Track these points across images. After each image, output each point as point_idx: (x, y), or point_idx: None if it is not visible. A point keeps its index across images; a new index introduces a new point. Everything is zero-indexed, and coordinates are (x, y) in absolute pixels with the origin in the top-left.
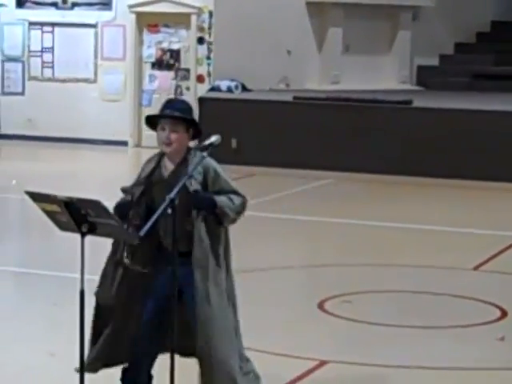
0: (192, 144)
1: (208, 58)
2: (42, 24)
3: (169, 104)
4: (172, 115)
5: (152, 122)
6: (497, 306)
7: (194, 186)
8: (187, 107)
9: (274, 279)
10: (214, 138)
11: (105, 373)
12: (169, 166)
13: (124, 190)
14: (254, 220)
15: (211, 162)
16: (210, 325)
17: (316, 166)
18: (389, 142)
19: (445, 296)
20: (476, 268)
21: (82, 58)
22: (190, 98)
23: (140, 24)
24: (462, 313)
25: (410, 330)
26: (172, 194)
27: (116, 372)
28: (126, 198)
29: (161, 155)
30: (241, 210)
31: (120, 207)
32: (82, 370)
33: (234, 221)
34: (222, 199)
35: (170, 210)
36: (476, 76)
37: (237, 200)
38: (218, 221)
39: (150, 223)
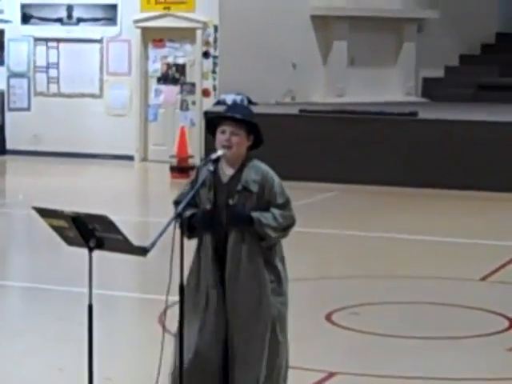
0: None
1: (213, 71)
2: (48, 40)
3: (231, 108)
4: (234, 116)
5: (212, 127)
6: (505, 317)
7: (252, 188)
8: (250, 113)
9: None
10: (220, 152)
11: None
12: (227, 171)
13: (177, 202)
14: None
15: (270, 172)
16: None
17: (321, 178)
18: (394, 153)
19: (453, 307)
20: (483, 279)
21: (87, 73)
22: (196, 112)
23: (145, 39)
24: (470, 323)
25: (419, 341)
26: (179, 209)
27: None
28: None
29: (216, 161)
30: (285, 227)
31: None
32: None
33: (277, 239)
34: (264, 216)
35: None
36: (481, 87)
37: (282, 218)
38: (259, 237)
39: (157, 237)
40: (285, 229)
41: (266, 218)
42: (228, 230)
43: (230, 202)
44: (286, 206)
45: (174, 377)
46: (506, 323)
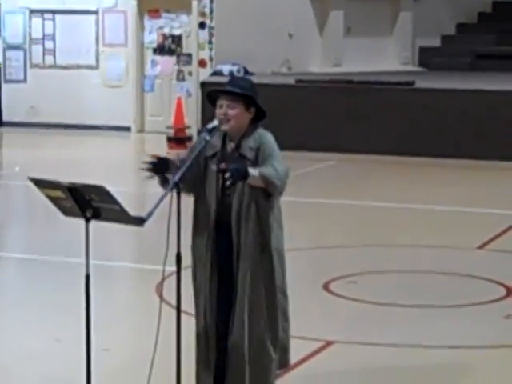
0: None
1: (209, 42)
2: (43, 11)
3: (230, 81)
4: (228, 90)
5: (212, 100)
6: (502, 285)
7: (248, 155)
8: (249, 85)
9: None
10: (216, 122)
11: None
12: (231, 144)
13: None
14: None
15: (268, 137)
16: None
17: (319, 147)
18: (391, 123)
19: (450, 275)
20: (481, 247)
21: (83, 44)
22: (193, 82)
23: (141, 9)
24: (468, 291)
25: (416, 309)
26: (176, 177)
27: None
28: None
29: (224, 134)
30: (284, 176)
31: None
32: (88, 355)
33: (281, 188)
34: (264, 168)
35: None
36: (478, 56)
37: (279, 167)
38: (266, 193)
39: (154, 207)
40: (282, 177)
41: (266, 168)
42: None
43: (222, 165)
44: (274, 158)
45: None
46: (503, 291)
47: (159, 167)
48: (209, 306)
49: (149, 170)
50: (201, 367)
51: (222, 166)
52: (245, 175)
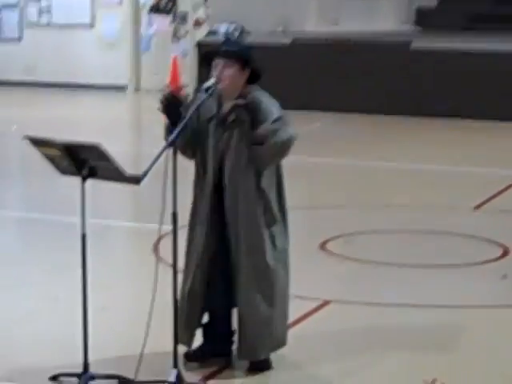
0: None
1: (205, 1)
2: None
3: (226, 41)
4: (223, 51)
5: (208, 61)
6: (499, 245)
7: (244, 116)
8: (243, 46)
9: None
10: (212, 80)
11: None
12: (226, 105)
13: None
14: None
15: (261, 96)
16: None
17: (316, 107)
18: (388, 82)
19: (447, 235)
20: (477, 207)
21: (79, 3)
22: (188, 42)
23: None
24: (464, 251)
25: (413, 269)
26: (172, 136)
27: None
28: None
29: (219, 97)
30: (283, 141)
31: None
32: (85, 313)
33: (275, 150)
34: (264, 125)
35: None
36: (475, 16)
37: (279, 127)
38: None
39: (150, 165)
40: (283, 143)
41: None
42: (224, 154)
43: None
44: (279, 120)
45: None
46: (500, 251)
47: (170, 106)
48: (199, 271)
49: (161, 103)
50: (181, 326)
51: (240, 101)
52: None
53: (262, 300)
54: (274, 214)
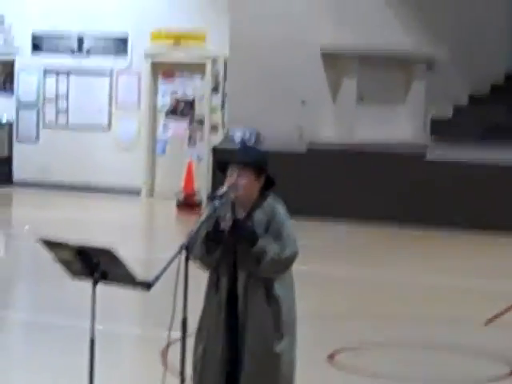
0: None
1: (222, 107)
2: (58, 71)
3: (241, 150)
4: (239, 160)
5: (222, 168)
6: (506, 363)
7: (258, 230)
8: (259, 154)
9: None
10: (226, 188)
11: None
12: (240, 214)
13: None
14: None
15: (279, 209)
16: None
17: (329, 215)
18: (402, 193)
19: (456, 350)
20: (487, 323)
21: (96, 105)
22: (204, 147)
23: (155, 72)
24: (469, 368)
25: None
26: (185, 241)
27: None
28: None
29: (233, 203)
30: (284, 259)
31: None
32: None
33: (274, 267)
34: (270, 242)
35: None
36: (490, 128)
37: (287, 249)
38: (257, 259)
39: (161, 271)
40: (282, 260)
41: (271, 243)
42: (237, 263)
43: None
44: (290, 239)
45: None
46: (507, 369)
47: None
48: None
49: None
50: None
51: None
52: (253, 238)
53: None
54: (284, 325)
